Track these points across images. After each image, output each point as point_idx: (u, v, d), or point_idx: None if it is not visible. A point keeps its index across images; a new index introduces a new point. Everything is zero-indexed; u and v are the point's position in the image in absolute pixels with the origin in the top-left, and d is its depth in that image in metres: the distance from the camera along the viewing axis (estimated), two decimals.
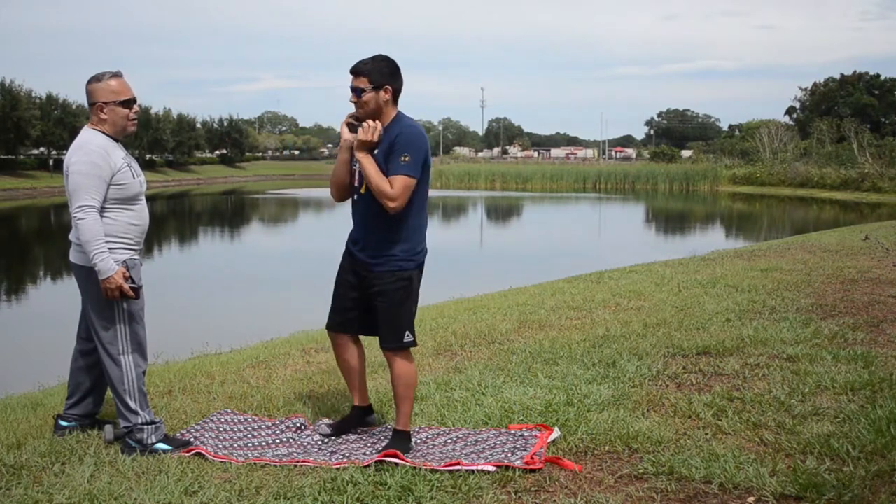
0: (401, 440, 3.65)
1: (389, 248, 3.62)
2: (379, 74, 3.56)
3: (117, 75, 3.79)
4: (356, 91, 3.58)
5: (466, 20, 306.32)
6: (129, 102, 3.78)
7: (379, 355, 4.46)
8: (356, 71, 3.58)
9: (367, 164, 3.54)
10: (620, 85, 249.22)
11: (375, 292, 3.67)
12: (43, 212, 36.96)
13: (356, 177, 3.68)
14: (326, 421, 4.02)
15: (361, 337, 3.93)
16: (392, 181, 3.50)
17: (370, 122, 3.57)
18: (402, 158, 3.50)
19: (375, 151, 3.58)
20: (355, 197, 3.72)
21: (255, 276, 16.24)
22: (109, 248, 3.62)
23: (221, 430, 3.98)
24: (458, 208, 40.03)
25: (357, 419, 3.98)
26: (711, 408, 4.06)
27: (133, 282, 3.67)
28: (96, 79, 3.76)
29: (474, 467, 3.32)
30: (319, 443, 3.83)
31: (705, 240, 21.65)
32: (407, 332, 3.66)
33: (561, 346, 5.66)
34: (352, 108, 3.68)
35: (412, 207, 3.61)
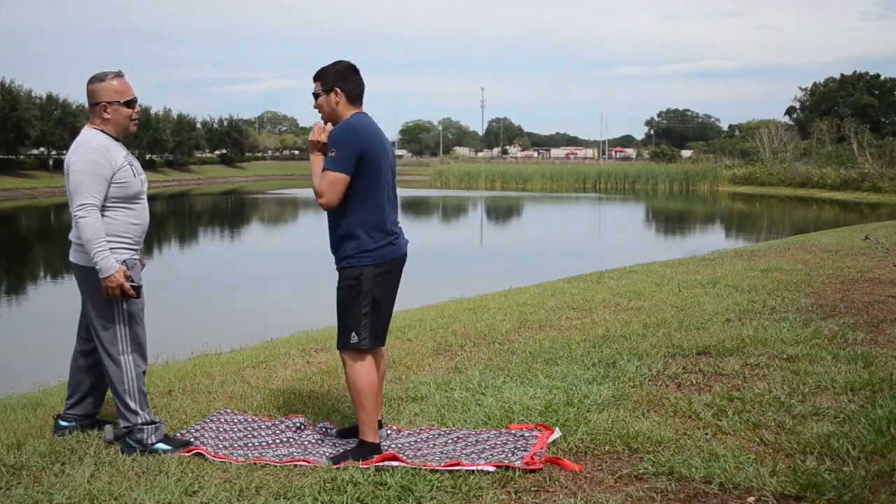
0: (358, 449, 3.58)
1: (342, 247, 3.64)
2: (330, 78, 3.65)
3: (119, 75, 3.79)
4: (314, 95, 3.70)
5: (466, 20, 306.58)
6: (131, 102, 3.79)
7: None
8: (315, 76, 3.71)
9: (314, 162, 3.65)
10: (620, 85, 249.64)
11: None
12: (43, 212, 36.96)
13: None
14: (332, 428, 4.01)
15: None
16: (321, 177, 3.56)
17: (319, 124, 3.68)
18: (330, 154, 3.55)
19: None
20: None
21: (255, 276, 16.25)
22: (109, 248, 3.62)
23: (221, 430, 3.98)
24: (458, 208, 40.03)
25: None
26: (711, 408, 4.06)
27: (133, 280, 3.67)
28: (99, 78, 3.75)
29: (474, 467, 3.32)
30: (320, 443, 3.83)
31: (705, 240, 21.65)
32: (353, 334, 3.60)
33: (561, 346, 5.66)
34: None
35: (353, 204, 3.58)
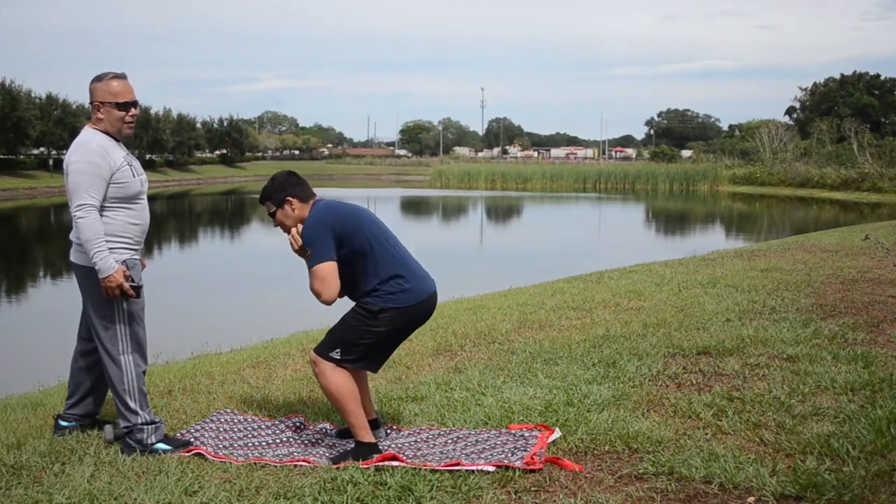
0: (357, 450, 3.58)
1: (364, 299, 3.66)
2: (277, 192, 3.74)
3: (120, 76, 3.77)
4: (271, 216, 3.77)
5: (466, 20, 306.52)
6: (125, 105, 3.74)
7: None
8: (261, 199, 3.79)
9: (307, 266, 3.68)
10: (620, 85, 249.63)
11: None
12: (43, 212, 36.95)
13: None
14: (332, 428, 4.02)
15: None
16: (310, 277, 3.60)
17: (293, 233, 3.72)
18: (308, 252, 3.61)
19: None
20: None
21: (255, 276, 16.24)
22: (109, 248, 3.62)
23: (221, 430, 3.98)
24: (458, 208, 40.02)
25: None
26: (711, 408, 4.06)
27: (133, 280, 3.67)
28: (97, 78, 3.75)
29: (474, 467, 3.32)
30: (319, 443, 3.83)
31: (705, 240, 21.64)
32: (338, 351, 3.61)
33: (561, 346, 5.66)
34: None
35: (364, 273, 3.62)
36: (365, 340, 3.63)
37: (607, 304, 7.56)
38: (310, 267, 3.58)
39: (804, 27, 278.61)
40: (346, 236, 3.60)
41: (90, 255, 3.58)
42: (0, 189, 44.05)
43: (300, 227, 3.69)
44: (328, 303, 3.60)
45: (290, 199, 3.71)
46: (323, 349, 3.65)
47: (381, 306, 3.60)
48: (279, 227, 3.79)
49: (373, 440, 3.62)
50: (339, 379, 3.61)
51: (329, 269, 3.55)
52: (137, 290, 3.69)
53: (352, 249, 3.60)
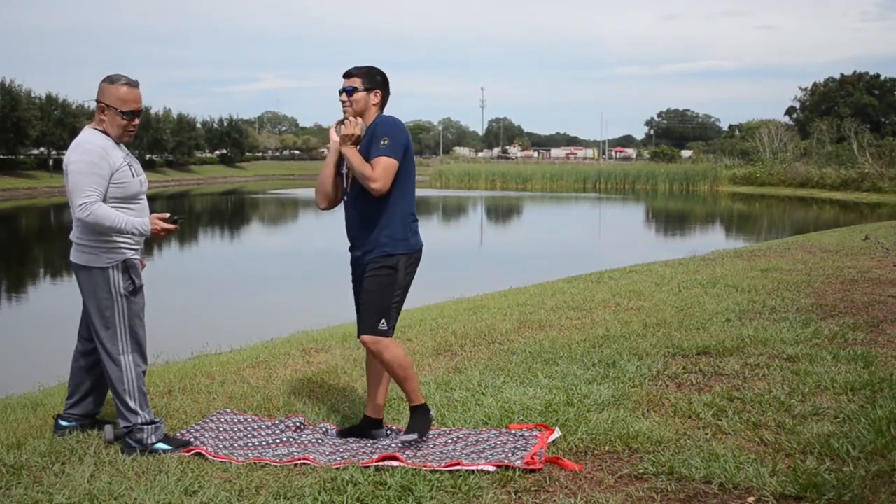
0: (419, 416, 3.76)
1: (377, 237, 3.75)
2: (372, 79, 3.83)
3: (131, 84, 3.75)
4: (349, 90, 3.79)
5: (466, 20, 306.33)
6: (130, 114, 3.75)
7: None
8: (350, 73, 3.84)
9: (352, 154, 3.74)
10: (620, 85, 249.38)
11: (364, 280, 3.78)
12: (43, 212, 36.96)
13: (345, 179, 3.86)
14: (333, 428, 4.02)
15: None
16: (373, 164, 3.67)
17: (352, 118, 3.79)
18: (382, 142, 3.69)
19: (358, 147, 3.76)
20: (346, 198, 3.88)
21: (255, 275, 16.25)
22: (109, 248, 3.64)
23: (221, 430, 3.98)
24: (458, 208, 40.02)
25: (364, 430, 3.96)
26: (711, 408, 4.06)
27: (171, 216, 3.74)
28: (110, 80, 3.73)
29: (474, 467, 3.32)
30: (320, 442, 3.83)
31: (705, 240, 21.64)
32: (383, 320, 3.70)
33: (561, 346, 5.66)
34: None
35: (394, 193, 3.73)
36: (395, 299, 3.75)
37: (607, 304, 7.56)
38: (380, 155, 3.66)
39: (804, 27, 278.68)
40: (408, 152, 3.76)
41: (127, 232, 3.61)
42: (0, 189, 44.07)
43: (359, 119, 3.77)
44: (378, 192, 3.67)
45: (379, 93, 3.82)
46: (370, 328, 3.72)
47: (396, 255, 3.73)
48: (342, 102, 3.82)
49: (423, 401, 3.83)
50: (400, 351, 3.78)
51: (394, 166, 3.68)
52: (175, 220, 3.74)
53: (402, 166, 3.74)
